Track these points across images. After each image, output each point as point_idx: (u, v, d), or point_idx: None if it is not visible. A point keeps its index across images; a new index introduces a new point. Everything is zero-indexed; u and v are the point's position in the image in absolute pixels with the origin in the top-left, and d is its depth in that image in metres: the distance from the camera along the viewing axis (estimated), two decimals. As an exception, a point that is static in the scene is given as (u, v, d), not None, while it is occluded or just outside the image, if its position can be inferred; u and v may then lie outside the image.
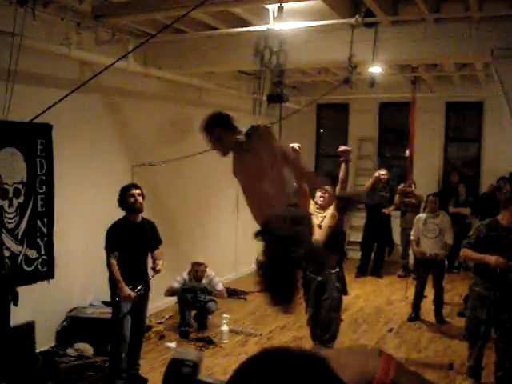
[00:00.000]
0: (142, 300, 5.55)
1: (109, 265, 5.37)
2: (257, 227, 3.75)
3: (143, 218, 5.62)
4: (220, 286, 7.44)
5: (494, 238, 5.22)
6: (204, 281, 7.28)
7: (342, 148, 5.56)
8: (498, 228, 5.25)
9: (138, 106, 7.45)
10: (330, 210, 5.70)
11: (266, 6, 5.46)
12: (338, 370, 0.91)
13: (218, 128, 3.95)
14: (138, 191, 5.46)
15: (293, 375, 0.81)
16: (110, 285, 5.48)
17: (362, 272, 10.37)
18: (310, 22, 5.75)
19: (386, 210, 10.15)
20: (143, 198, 5.50)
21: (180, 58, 7.11)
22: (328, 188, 5.54)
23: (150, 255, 5.71)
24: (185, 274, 7.28)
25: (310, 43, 6.32)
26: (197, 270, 7.21)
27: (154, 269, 5.64)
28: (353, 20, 5.68)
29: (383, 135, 12.06)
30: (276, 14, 4.90)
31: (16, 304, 5.03)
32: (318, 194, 5.75)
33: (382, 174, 9.92)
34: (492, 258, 5.13)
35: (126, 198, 5.42)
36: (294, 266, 3.71)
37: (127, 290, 5.33)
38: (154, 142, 7.71)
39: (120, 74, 6.56)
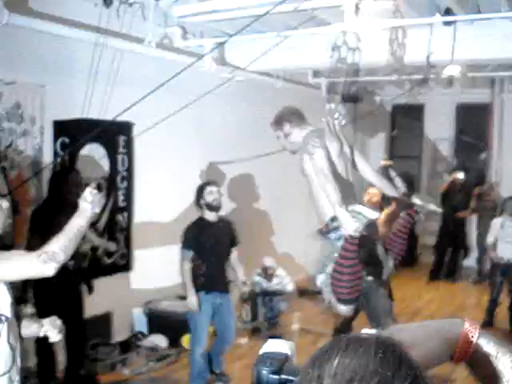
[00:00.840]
0: (220, 300, 5.38)
1: (182, 267, 5.27)
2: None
3: (220, 217, 5.49)
4: (291, 286, 7.46)
5: None
6: (275, 280, 7.33)
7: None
8: None
9: (216, 105, 7.58)
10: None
11: (342, 5, 5.46)
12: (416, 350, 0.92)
13: (287, 125, 3.98)
14: (216, 188, 5.35)
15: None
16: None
17: (435, 276, 10.18)
18: (388, 21, 5.71)
19: (461, 214, 9.93)
20: (220, 195, 5.40)
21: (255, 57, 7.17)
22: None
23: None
24: (255, 276, 7.32)
25: (387, 41, 6.27)
26: (267, 273, 7.24)
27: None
28: (432, 19, 5.60)
29: (460, 137, 11.80)
30: (352, 13, 4.92)
31: (90, 293, 5.25)
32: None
33: (458, 177, 9.73)
34: None
35: (203, 195, 5.32)
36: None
37: (193, 300, 5.17)
38: (231, 140, 7.83)
39: (198, 73, 6.70)
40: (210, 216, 5.34)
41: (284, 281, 7.42)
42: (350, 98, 8.26)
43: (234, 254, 5.58)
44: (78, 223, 2.64)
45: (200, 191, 5.36)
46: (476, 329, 1.07)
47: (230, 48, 6.99)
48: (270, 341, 1.05)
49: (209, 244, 5.28)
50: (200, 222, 5.35)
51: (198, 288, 5.22)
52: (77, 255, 5.05)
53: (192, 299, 5.18)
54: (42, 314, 4.91)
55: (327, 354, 0.82)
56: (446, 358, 1.07)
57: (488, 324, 7.52)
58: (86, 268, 5.28)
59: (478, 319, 7.71)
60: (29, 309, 4.98)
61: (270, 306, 7.18)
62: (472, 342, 1.05)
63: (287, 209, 9.25)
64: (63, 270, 4.78)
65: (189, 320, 5.40)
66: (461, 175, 9.80)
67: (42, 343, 4.96)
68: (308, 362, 0.84)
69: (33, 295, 4.96)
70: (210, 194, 5.28)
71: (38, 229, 4.83)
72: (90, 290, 5.23)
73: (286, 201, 9.19)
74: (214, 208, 5.31)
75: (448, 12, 5.69)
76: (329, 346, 0.84)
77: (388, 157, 12.32)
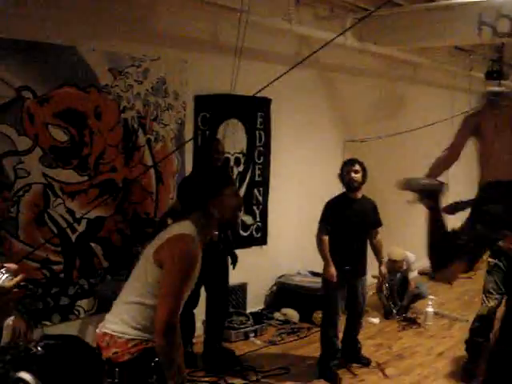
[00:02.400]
0: (355, 281, 5.30)
1: (320, 240, 5.18)
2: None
3: (363, 196, 5.33)
4: (415, 273, 7.22)
5: None
6: (404, 266, 7.09)
7: None
8: None
9: (352, 82, 7.51)
10: None
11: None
12: None
13: None
14: (356, 167, 5.19)
15: None
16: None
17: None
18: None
19: None
20: (365, 174, 5.23)
21: (395, 33, 6.97)
22: None
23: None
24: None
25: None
26: (393, 267, 6.97)
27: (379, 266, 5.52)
28: None
29: None
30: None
31: (234, 267, 5.42)
32: None
33: None
34: None
35: (344, 173, 5.24)
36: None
37: (332, 270, 5.07)
38: (367, 118, 7.73)
39: (335, 49, 6.63)
40: (351, 194, 5.26)
41: (412, 266, 7.21)
42: (495, 75, 7.87)
43: (378, 236, 5.47)
44: None
45: (343, 168, 5.29)
46: None
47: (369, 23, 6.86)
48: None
49: (348, 221, 5.19)
50: (341, 198, 5.30)
51: (335, 265, 5.14)
52: (224, 226, 5.24)
53: (330, 270, 5.08)
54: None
55: None
56: None
57: None
58: (231, 239, 5.40)
59: None
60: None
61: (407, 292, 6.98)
62: None
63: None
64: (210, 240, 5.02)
65: (323, 298, 5.39)
66: None
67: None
68: None
69: None
70: (349, 173, 5.19)
71: (185, 194, 5.06)
72: (235, 261, 5.39)
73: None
74: (350, 187, 5.23)
75: None
76: None
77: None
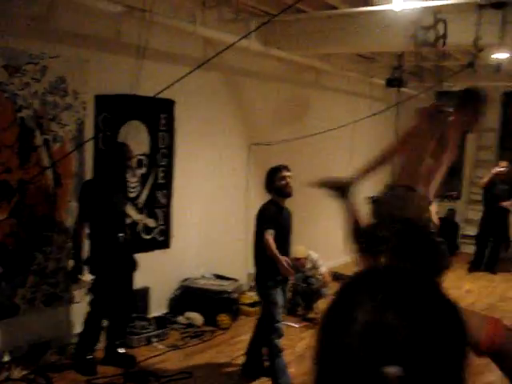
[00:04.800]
0: (285, 286, 5.21)
1: (268, 242, 4.85)
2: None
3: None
4: (323, 269, 7.37)
5: None
6: (308, 265, 7.23)
7: None
8: None
9: (257, 86, 7.57)
10: None
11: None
12: None
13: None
14: (289, 173, 5.02)
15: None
16: (262, 268, 5.07)
17: (475, 267, 10.00)
18: (436, 2, 5.59)
19: (505, 204, 9.73)
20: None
21: (300, 39, 7.11)
22: None
23: None
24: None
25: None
26: (297, 265, 7.04)
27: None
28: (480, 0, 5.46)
29: (506, 126, 11.53)
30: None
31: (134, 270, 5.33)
32: None
33: (501, 169, 9.56)
34: None
35: (275, 180, 5.00)
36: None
37: (289, 268, 4.87)
38: (271, 121, 7.81)
39: (241, 53, 6.69)
40: (282, 200, 5.07)
41: (316, 264, 7.33)
42: (394, 83, 8.16)
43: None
44: None
45: (271, 175, 5.06)
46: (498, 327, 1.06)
47: (275, 28, 6.95)
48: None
49: (283, 229, 5.04)
50: (273, 205, 5.06)
51: (274, 273, 4.95)
52: (127, 229, 5.15)
53: (285, 264, 4.84)
54: (100, 283, 5.05)
55: None
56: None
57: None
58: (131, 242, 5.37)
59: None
60: (85, 277, 5.12)
61: (310, 292, 7.09)
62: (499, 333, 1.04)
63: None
64: (114, 242, 4.94)
65: (265, 300, 5.10)
66: (503, 166, 9.62)
67: (92, 315, 5.09)
68: None
69: (89, 266, 5.08)
70: (283, 179, 4.99)
71: (88, 201, 4.94)
72: (135, 265, 5.31)
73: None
74: (285, 194, 5.03)
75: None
76: None
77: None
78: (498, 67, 7.14)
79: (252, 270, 7.08)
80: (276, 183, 5.01)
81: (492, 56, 7.02)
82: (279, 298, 5.02)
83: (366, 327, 0.75)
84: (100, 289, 5.05)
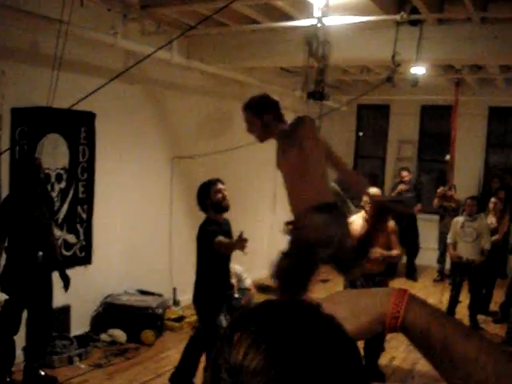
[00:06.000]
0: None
1: (219, 241, 4.60)
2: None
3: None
4: (248, 282, 7.39)
5: None
6: (233, 279, 7.22)
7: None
8: None
9: (180, 99, 7.52)
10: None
11: (311, 1, 5.45)
12: (344, 319, 0.88)
13: (269, 114, 3.89)
14: (223, 186, 4.80)
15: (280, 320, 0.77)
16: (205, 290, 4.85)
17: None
18: (355, 18, 5.72)
19: (415, 209, 10.01)
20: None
21: (222, 52, 7.14)
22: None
23: None
24: None
25: (354, 40, 6.31)
26: None
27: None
28: (398, 17, 5.63)
29: (424, 138, 11.93)
30: (321, 9, 4.91)
31: (66, 289, 5.18)
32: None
33: (403, 176, 10.02)
34: None
35: (210, 195, 4.75)
36: (314, 265, 3.70)
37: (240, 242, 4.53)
38: (195, 134, 7.77)
39: (163, 66, 6.64)
40: (219, 216, 4.82)
41: (241, 277, 7.35)
42: (316, 96, 8.28)
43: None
44: None
45: (205, 190, 4.82)
46: (403, 299, 1.02)
47: (197, 41, 6.94)
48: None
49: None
50: (212, 223, 4.78)
51: (217, 289, 4.85)
52: (47, 246, 4.97)
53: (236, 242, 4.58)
54: (12, 302, 4.85)
55: None
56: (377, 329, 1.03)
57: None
58: (60, 260, 5.24)
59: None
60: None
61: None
62: (399, 314, 1.00)
63: (251, 204, 9.23)
64: (32, 259, 4.76)
65: (207, 324, 4.81)
66: (404, 174, 10.17)
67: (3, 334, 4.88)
68: None
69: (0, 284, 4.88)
70: (219, 193, 4.77)
71: (7, 216, 4.77)
72: (67, 283, 5.15)
73: (251, 196, 9.16)
74: (223, 208, 4.79)
75: (414, 11, 5.74)
76: None
77: (353, 156, 12.41)
78: (415, 81, 7.36)
79: (176, 284, 7.05)
80: (212, 198, 4.75)
81: (410, 71, 7.25)
82: (223, 322, 4.72)
83: (232, 372, 0.73)
84: (11, 308, 4.86)
